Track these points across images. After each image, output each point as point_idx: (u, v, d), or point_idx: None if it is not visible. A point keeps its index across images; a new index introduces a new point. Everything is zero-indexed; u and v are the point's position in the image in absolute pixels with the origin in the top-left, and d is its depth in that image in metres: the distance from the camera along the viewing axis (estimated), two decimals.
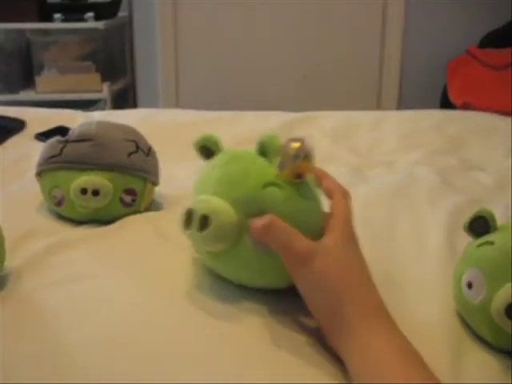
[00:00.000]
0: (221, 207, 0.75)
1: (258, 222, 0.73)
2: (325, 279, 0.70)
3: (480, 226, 0.76)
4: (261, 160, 0.79)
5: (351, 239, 0.75)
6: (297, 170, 0.75)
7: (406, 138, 1.58)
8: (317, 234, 0.75)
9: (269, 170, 0.77)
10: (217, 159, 0.83)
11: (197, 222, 0.75)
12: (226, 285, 0.84)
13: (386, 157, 1.48)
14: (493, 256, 0.72)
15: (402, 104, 3.38)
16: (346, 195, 0.79)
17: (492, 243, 0.73)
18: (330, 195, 0.80)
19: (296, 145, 0.75)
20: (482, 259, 0.73)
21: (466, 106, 2.71)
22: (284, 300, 0.81)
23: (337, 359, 0.70)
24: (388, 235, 1.03)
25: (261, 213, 0.74)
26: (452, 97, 2.93)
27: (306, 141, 0.75)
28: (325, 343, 0.72)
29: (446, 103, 2.99)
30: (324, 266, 0.71)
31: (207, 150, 0.86)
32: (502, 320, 0.68)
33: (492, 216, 0.75)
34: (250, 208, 0.75)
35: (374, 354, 0.65)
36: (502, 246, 0.72)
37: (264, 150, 0.79)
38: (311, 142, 0.75)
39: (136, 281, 0.85)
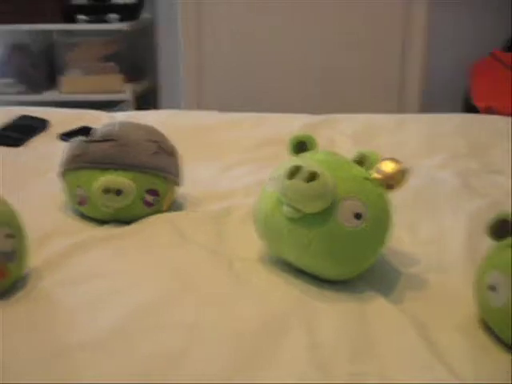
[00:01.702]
0: (326, 171, 0.82)
1: None
2: None
3: (502, 228, 0.75)
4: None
5: None
6: (391, 180, 0.86)
7: (427, 142, 1.57)
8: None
9: (366, 172, 0.87)
10: (318, 151, 0.92)
11: (304, 175, 0.81)
12: (245, 284, 0.85)
13: (408, 160, 1.47)
14: None
15: (424, 107, 3.36)
16: None
17: None
18: None
19: (395, 162, 0.87)
20: (506, 262, 0.73)
21: (488, 110, 2.69)
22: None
23: None
24: (409, 238, 1.03)
25: (355, 198, 0.82)
26: (475, 100, 2.91)
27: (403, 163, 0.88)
28: None
29: (468, 106, 2.96)
30: None
31: (301, 147, 0.92)
32: None
33: None
34: (350, 189, 0.83)
35: None
36: None
37: (362, 160, 0.88)
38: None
39: (155, 280, 0.86)
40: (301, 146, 0.92)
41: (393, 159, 0.88)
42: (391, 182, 0.87)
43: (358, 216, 0.82)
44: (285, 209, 0.83)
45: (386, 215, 0.87)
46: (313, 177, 0.80)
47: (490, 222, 0.76)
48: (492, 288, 0.73)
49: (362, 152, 0.89)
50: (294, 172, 0.82)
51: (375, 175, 0.86)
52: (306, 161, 0.85)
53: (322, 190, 0.80)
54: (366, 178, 0.85)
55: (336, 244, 0.82)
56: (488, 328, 0.77)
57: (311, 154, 0.90)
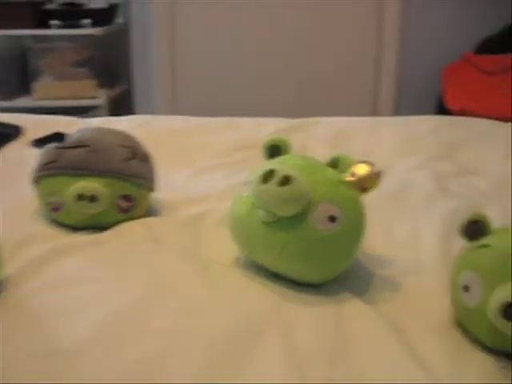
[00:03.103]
0: (300, 175, 0.82)
1: None
2: None
3: (475, 229, 0.76)
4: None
5: None
6: (365, 183, 0.86)
7: (402, 144, 1.58)
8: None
9: (341, 175, 0.87)
10: (292, 155, 0.92)
11: (278, 179, 0.81)
12: (221, 289, 0.85)
13: (383, 162, 1.48)
14: (489, 259, 0.72)
15: (398, 110, 3.39)
16: None
17: (487, 246, 0.73)
18: None
19: (368, 164, 0.87)
20: (479, 262, 0.73)
21: (462, 112, 2.72)
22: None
23: None
24: (384, 241, 1.04)
25: (330, 201, 0.82)
26: (448, 102, 2.93)
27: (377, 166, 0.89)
28: None
29: (442, 109, 2.99)
30: None
31: (275, 151, 0.93)
32: (498, 320, 0.69)
33: (487, 220, 0.76)
34: (324, 193, 0.83)
35: None
36: (498, 249, 0.72)
37: (336, 164, 0.89)
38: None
39: (131, 286, 0.85)
40: (275, 149, 0.92)
41: (366, 162, 0.88)
42: (365, 185, 0.87)
43: (332, 219, 0.82)
44: (259, 213, 0.83)
45: (361, 218, 0.87)
46: (287, 180, 0.80)
47: (463, 222, 0.77)
48: (465, 288, 0.74)
49: (336, 155, 0.90)
50: (268, 176, 0.82)
51: (349, 178, 0.87)
52: (280, 164, 0.85)
53: (296, 193, 0.81)
54: (340, 181, 0.86)
55: (310, 247, 0.82)
56: (464, 329, 0.77)
57: (285, 157, 0.90)
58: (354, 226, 0.85)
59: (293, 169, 0.83)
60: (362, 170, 0.87)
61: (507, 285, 0.69)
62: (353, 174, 0.87)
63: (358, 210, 0.87)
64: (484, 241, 0.75)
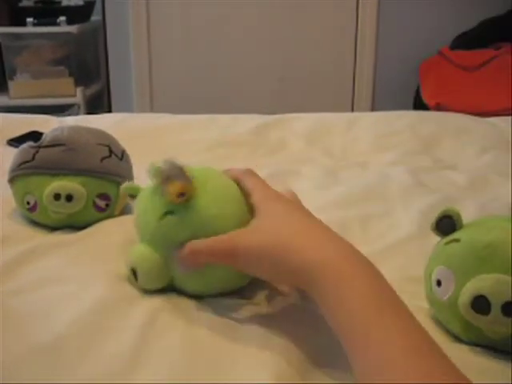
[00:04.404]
0: (143, 255, 0.80)
1: (181, 255, 0.75)
2: (263, 249, 0.69)
3: (447, 224, 0.77)
4: (156, 195, 0.79)
5: (277, 202, 0.75)
6: (174, 190, 0.75)
7: (379, 139, 1.59)
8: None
9: (160, 201, 0.78)
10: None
11: (131, 274, 0.82)
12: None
13: (360, 158, 1.49)
14: (459, 253, 0.73)
15: (376, 105, 3.40)
16: (249, 172, 0.82)
17: (458, 240, 0.74)
18: (236, 181, 0.82)
19: (160, 167, 0.77)
20: (449, 257, 0.74)
21: (438, 107, 2.74)
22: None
23: None
24: (361, 236, 1.04)
25: (171, 243, 0.77)
26: (425, 98, 2.95)
27: (173, 159, 0.78)
28: None
29: (419, 104, 3.01)
30: (254, 240, 0.70)
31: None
32: (469, 314, 0.70)
33: (458, 215, 0.76)
34: (162, 241, 0.79)
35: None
36: (467, 243, 0.73)
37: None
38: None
39: (108, 284, 0.85)
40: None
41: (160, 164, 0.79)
42: (178, 192, 0.76)
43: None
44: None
45: (205, 227, 0.77)
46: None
47: (435, 218, 0.78)
48: (438, 283, 0.75)
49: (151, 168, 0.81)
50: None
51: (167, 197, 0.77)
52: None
53: (148, 279, 0.81)
54: (161, 216, 0.78)
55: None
56: (439, 323, 0.78)
57: None
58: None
59: (134, 252, 0.82)
60: (161, 178, 0.78)
61: (477, 278, 0.70)
62: (162, 189, 0.78)
63: (194, 223, 0.77)
64: (454, 235, 0.76)
